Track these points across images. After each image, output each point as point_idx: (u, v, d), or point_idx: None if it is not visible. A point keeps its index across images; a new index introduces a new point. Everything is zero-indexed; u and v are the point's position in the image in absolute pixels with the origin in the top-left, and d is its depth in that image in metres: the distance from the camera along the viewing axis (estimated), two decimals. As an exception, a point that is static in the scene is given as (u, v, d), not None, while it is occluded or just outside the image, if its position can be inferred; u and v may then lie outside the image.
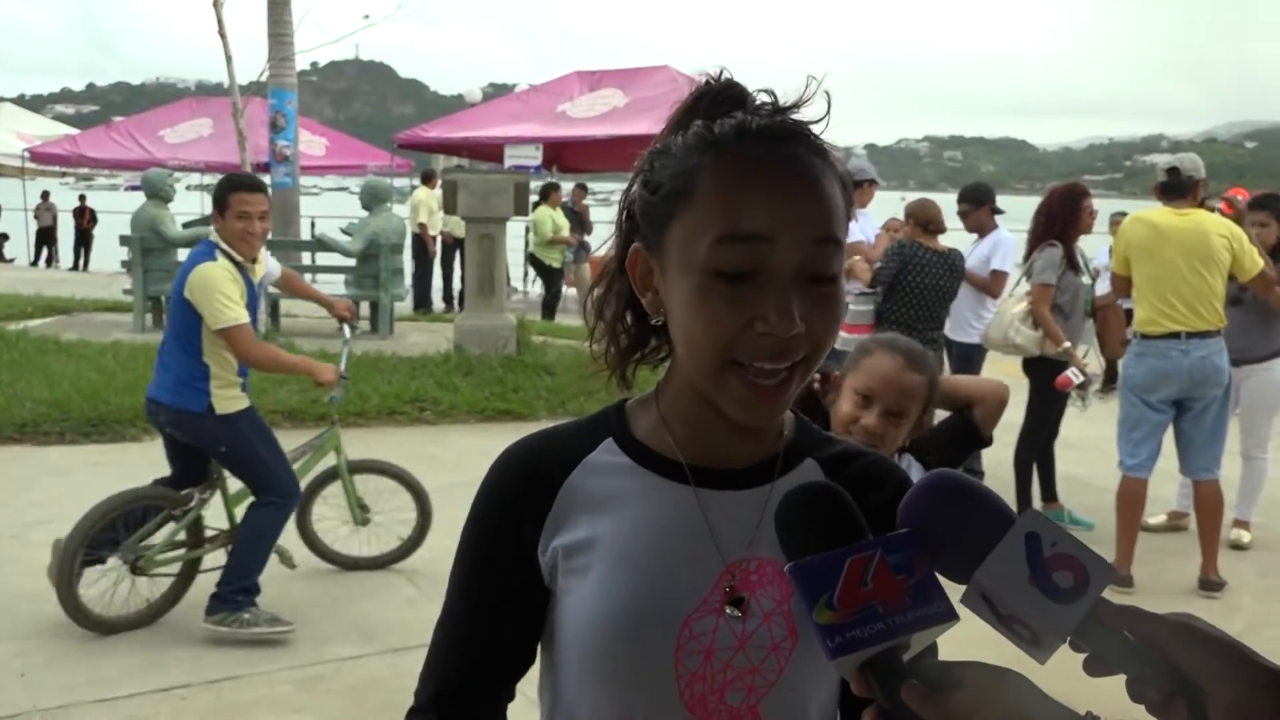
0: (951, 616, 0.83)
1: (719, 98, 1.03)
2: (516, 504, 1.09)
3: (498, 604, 1.11)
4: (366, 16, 14.22)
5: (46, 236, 23.26)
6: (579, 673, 1.07)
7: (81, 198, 23.00)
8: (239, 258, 4.20)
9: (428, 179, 14.96)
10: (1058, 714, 0.77)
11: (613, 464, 1.09)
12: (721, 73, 1.06)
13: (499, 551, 1.10)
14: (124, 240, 11.06)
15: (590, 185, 18.14)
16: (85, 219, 22.25)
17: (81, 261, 22.20)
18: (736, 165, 0.96)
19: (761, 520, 1.04)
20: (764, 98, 1.03)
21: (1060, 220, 5.82)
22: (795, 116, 1.01)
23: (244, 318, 4.13)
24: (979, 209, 6.83)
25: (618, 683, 1.04)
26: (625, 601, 1.03)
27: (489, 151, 15.38)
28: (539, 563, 1.09)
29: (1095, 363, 7.09)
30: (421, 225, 14.63)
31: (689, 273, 0.97)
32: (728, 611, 1.03)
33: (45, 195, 23.20)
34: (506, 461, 1.12)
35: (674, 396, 1.09)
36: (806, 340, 0.96)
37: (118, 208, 19.62)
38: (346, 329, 4.90)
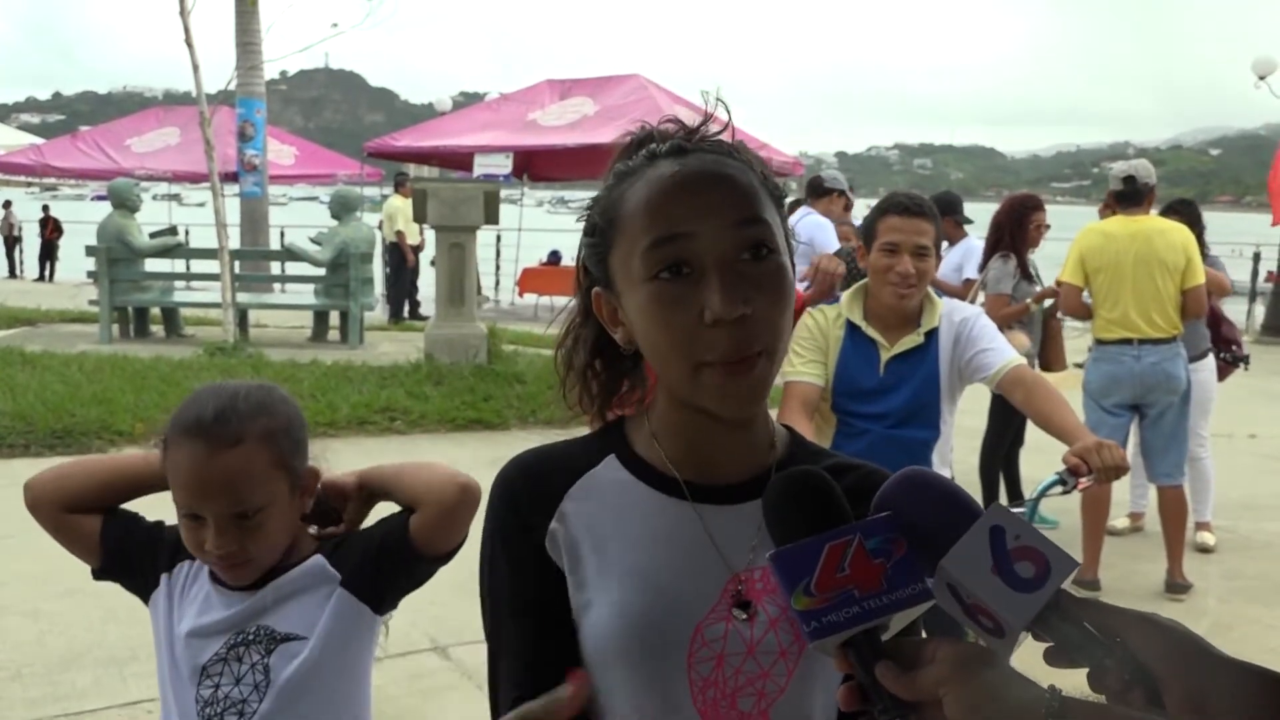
0: (927, 597, 0.86)
1: (635, 143, 1.11)
2: (523, 512, 1.11)
3: (545, 610, 1.10)
4: (335, 25, 14.15)
5: (7, 247, 22.99)
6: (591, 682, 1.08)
7: (45, 208, 22.71)
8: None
9: (400, 185, 14.76)
10: (1025, 689, 0.79)
11: (615, 480, 1.12)
12: (643, 126, 1.12)
13: (525, 560, 1.11)
14: (90, 251, 10.93)
15: (563, 195, 18.15)
16: (49, 229, 21.99)
17: (47, 272, 21.94)
18: (650, 183, 1.04)
19: (760, 532, 1.06)
20: (669, 126, 1.10)
21: (1007, 232, 5.85)
22: (716, 131, 1.08)
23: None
24: (943, 220, 6.85)
25: (631, 691, 1.06)
26: (638, 613, 1.05)
27: (459, 160, 15.35)
28: (557, 567, 1.10)
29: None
30: (399, 234, 14.46)
31: (635, 289, 1.03)
32: (734, 614, 1.05)
33: (7, 204, 22.91)
34: (509, 473, 1.14)
35: (662, 413, 1.13)
36: (761, 326, 1.00)
37: (84, 218, 19.40)
38: None
